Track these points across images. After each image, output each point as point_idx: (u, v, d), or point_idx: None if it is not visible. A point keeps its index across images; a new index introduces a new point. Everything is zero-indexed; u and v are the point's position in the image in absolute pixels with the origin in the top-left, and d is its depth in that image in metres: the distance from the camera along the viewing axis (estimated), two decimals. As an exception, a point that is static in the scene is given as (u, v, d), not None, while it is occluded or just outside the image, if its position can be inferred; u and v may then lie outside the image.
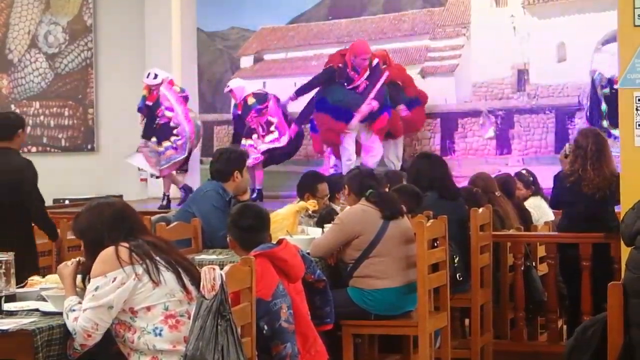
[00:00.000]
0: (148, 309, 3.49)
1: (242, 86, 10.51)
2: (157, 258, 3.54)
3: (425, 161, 6.51)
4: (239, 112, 10.39)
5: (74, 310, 3.48)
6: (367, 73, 9.78)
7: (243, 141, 10.17)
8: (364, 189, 5.46)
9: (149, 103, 10.30)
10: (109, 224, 3.61)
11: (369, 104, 9.73)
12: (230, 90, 10.46)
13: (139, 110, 10.28)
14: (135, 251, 3.51)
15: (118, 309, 3.46)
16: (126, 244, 3.53)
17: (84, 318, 3.44)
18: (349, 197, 5.68)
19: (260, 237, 4.43)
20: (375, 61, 9.89)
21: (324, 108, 9.82)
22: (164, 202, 9.99)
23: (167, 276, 3.51)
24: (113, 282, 3.45)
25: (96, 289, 3.45)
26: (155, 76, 10.33)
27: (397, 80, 10.19)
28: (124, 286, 3.45)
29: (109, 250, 3.51)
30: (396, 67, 10.38)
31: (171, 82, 10.39)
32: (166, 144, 10.20)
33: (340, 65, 9.79)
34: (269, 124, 10.22)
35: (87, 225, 3.67)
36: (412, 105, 10.27)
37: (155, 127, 10.11)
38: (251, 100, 10.36)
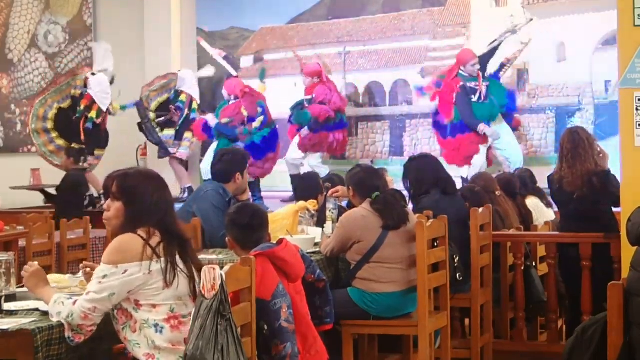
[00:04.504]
0: (154, 306, 3.49)
1: (184, 79, 11.09)
2: (178, 259, 3.53)
3: (427, 161, 6.47)
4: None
5: (69, 298, 3.47)
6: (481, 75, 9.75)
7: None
8: (370, 190, 5.39)
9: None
10: (155, 197, 3.60)
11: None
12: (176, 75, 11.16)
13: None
14: (157, 248, 3.48)
15: (121, 297, 3.45)
16: (158, 238, 3.51)
17: (85, 299, 3.43)
18: (354, 199, 5.62)
19: (258, 235, 4.41)
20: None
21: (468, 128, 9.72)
22: None
23: (182, 280, 3.50)
24: (123, 274, 3.43)
25: (104, 276, 3.44)
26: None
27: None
28: (131, 277, 3.43)
29: (129, 240, 3.48)
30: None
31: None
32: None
33: (461, 83, 9.69)
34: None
35: (135, 186, 3.60)
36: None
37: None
38: (183, 97, 10.99)
